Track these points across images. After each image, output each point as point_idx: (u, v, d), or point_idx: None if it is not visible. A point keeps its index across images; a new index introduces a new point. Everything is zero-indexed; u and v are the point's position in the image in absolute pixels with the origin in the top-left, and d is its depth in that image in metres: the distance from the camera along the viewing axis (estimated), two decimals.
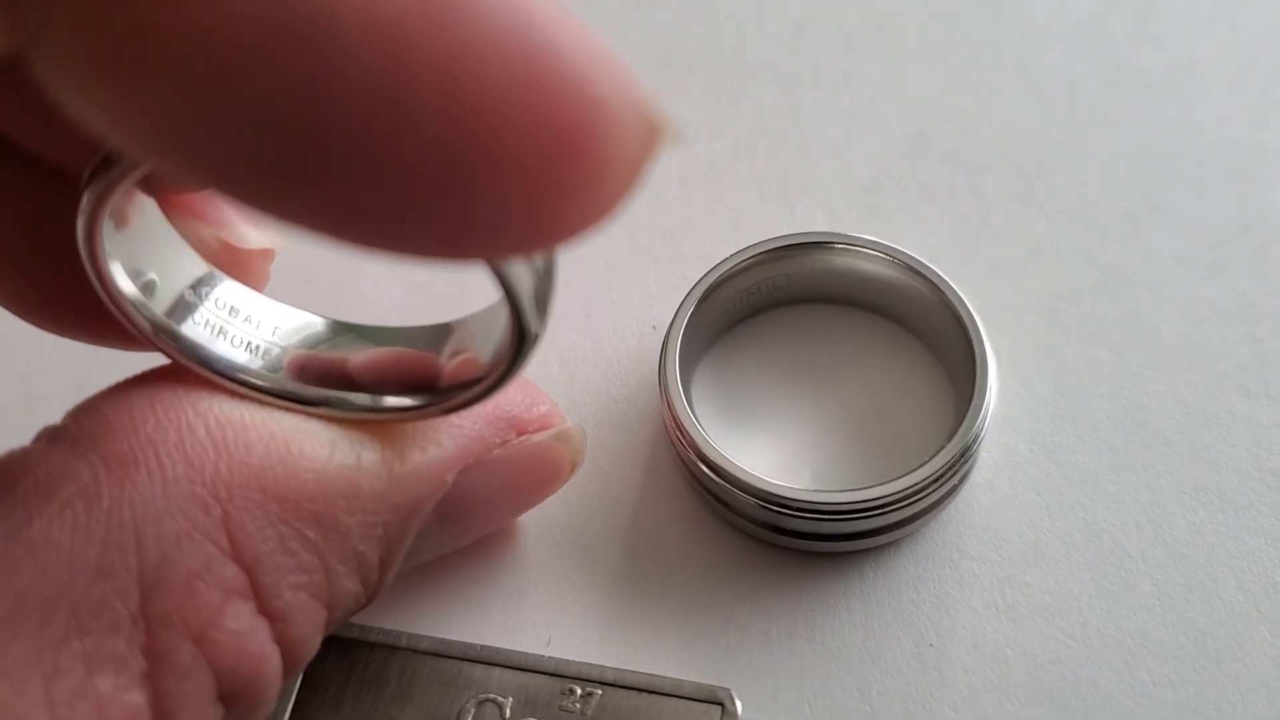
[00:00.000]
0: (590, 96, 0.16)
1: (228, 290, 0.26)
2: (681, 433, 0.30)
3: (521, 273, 0.20)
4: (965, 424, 0.29)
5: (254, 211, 0.16)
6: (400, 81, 0.15)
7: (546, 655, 0.29)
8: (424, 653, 0.29)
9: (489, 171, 0.15)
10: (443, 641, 0.29)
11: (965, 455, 0.29)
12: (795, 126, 0.38)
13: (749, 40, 0.39)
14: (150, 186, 0.23)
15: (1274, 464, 0.30)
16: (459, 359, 0.25)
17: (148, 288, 0.24)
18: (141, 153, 0.16)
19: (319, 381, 0.25)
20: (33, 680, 0.20)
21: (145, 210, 0.24)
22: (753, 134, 0.37)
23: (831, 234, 0.32)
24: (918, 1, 0.40)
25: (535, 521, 0.31)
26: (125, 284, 0.23)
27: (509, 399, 0.27)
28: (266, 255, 0.27)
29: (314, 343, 0.26)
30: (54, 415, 0.32)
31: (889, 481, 0.28)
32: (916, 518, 0.29)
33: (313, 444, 0.24)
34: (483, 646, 0.29)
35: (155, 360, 0.25)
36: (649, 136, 0.17)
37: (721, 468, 0.29)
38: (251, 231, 0.26)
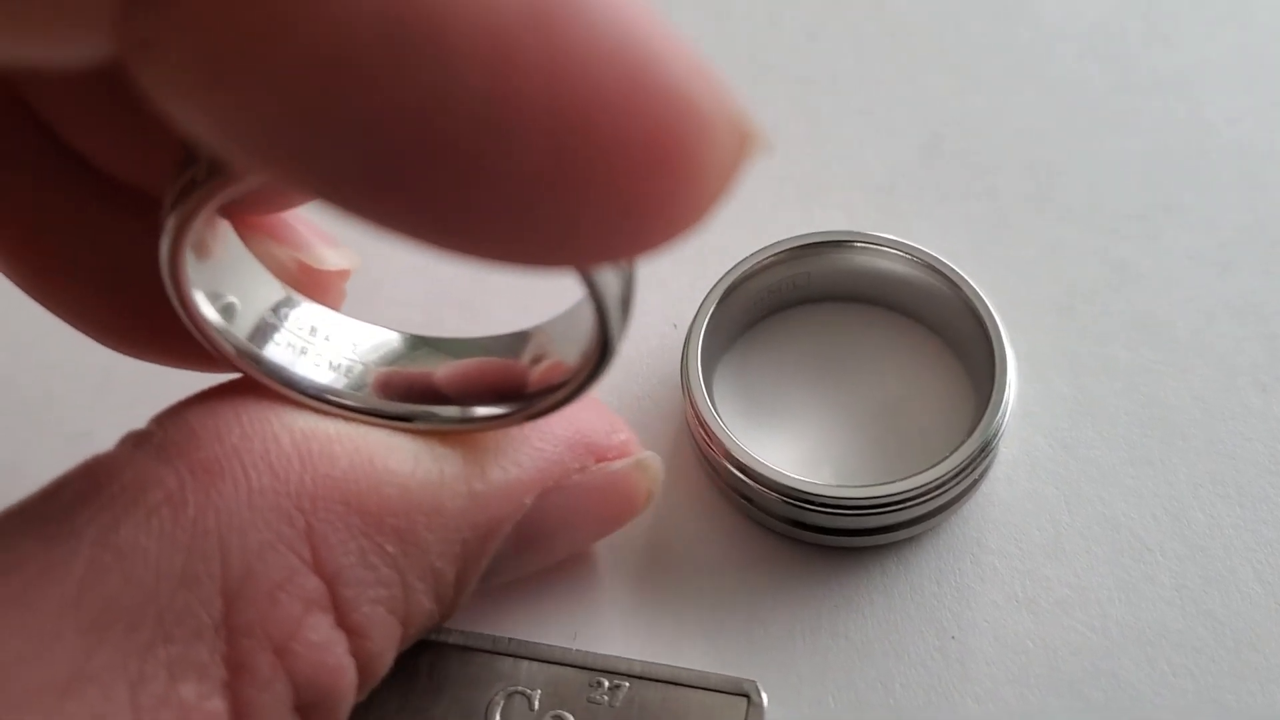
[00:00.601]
0: (690, 106, 0.16)
1: (305, 311, 0.26)
2: (704, 429, 0.30)
3: (609, 279, 0.21)
4: (985, 420, 0.29)
5: (354, 218, 0.16)
6: (510, 88, 0.15)
7: (574, 649, 0.29)
8: (453, 646, 0.29)
9: (592, 179, 0.16)
10: (471, 635, 0.29)
11: (985, 451, 0.29)
12: (811, 129, 0.38)
13: (763, 45, 0.40)
14: (228, 211, 0.23)
15: None
16: (545, 364, 0.25)
17: (227, 311, 0.24)
18: (247, 160, 0.16)
19: (405, 397, 0.25)
20: (119, 686, 0.20)
21: (224, 236, 0.24)
22: (769, 136, 0.38)
23: (851, 233, 0.32)
24: (930, 4, 0.40)
25: None
26: (208, 310, 0.24)
27: (589, 424, 0.27)
28: (343, 275, 0.27)
29: (393, 358, 0.26)
30: (75, 414, 0.33)
31: (910, 477, 0.29)
32: (937, 513, 0.30)
33: (397, 458, 0.24)
34: (511, 640, 0.29)
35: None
36: (741, 146, 0.17)
37: (744, 464, 0.29)
38: (329, 252, 0.27)
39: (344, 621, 0.23)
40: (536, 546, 0.27)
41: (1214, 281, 0.34)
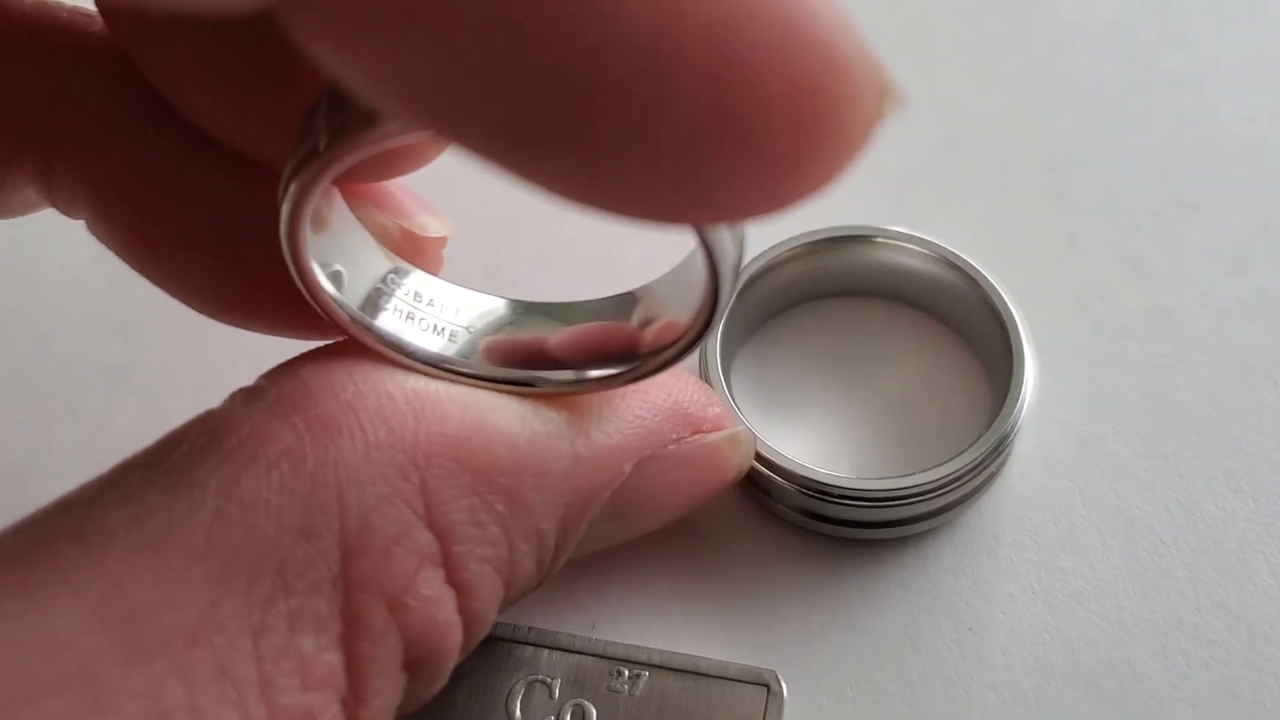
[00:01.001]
0: (841, 59, 0.16)
1: (411, 278, 0.26)
2: None
3: (725, 239, 0.21)
4: (1002, 414, 0.30)
5: (501, 167, 0.16)
6: (675, 36, 0.15)
7: (594, 638, 0.29)
8: None
9: (747, 130, 0.16)
10: (494, 624, 0.29)
11: (1002, 445, 0.30)
12: None
13: None
14: (338, 179, 0.23)
15: None
16: (657, 325, 0.25)
17: (336, 279, 0.24)
18: (403, 109, 0.16)
19: (515, 362, 0.26)
20: (243, 636, 0.20)
21: (338, 207, 0.24)
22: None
23: (870, 228, 0.33)
24: (947, 4, 0.41)
25: None
26: (323, 279, 0.24)
27: (686, 395, 0.28)
28: (442, 241, 0.27)
29: (500, 325, 0.26)
30: (96, 405, 0.33)
31: (929, 469, 0.29)
32: (955, 505, 0.30)
33: (506, 418, 0.24)
34: (531, 628, 0.29)
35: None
36: (881, 99, 0.17)
37: (763, 455, 0.30)
38: (430, 219, 0.27)
39: (453, 578, 0.23)
40: (630, 516, 0.27)
41: (1227, 278, 0.34)
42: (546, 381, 0.25)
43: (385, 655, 0.22)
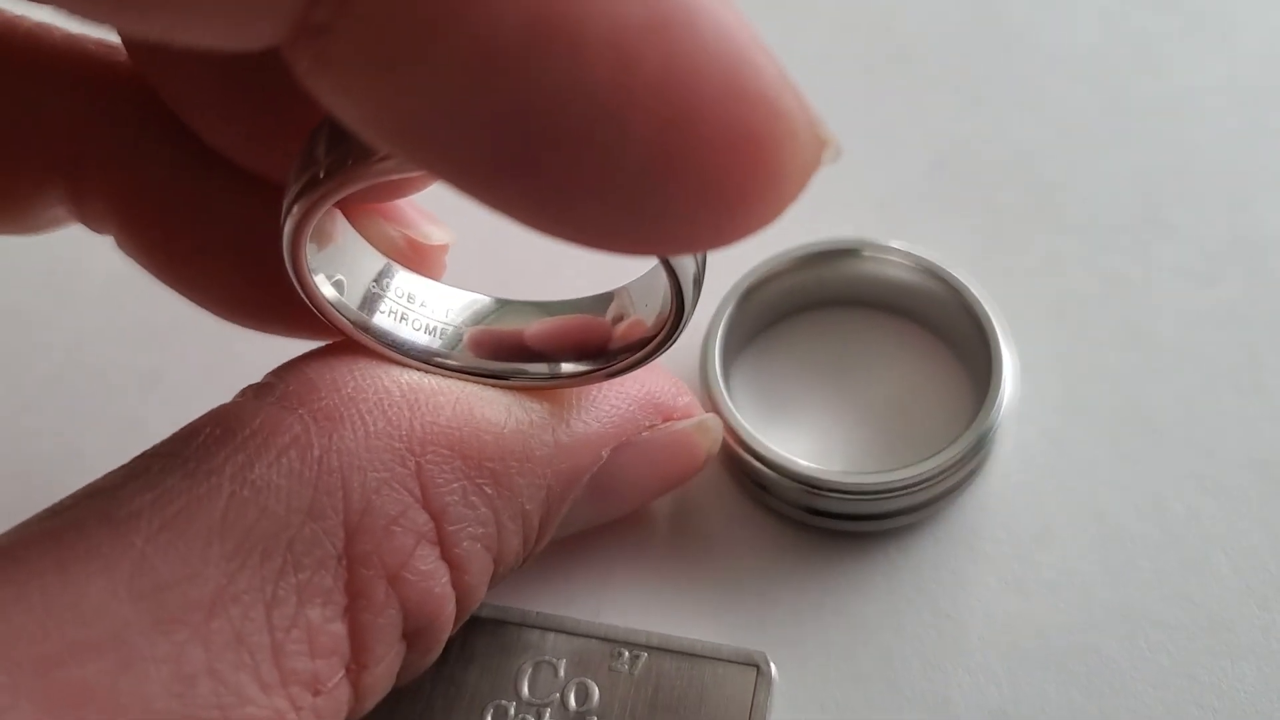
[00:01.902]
0: (780, 111, 0.18)
1: (402, 279, 0.27)
2: (723, 422, 0.31)
3: (686, 260, 0.23)
4: (982, 414, 0.31)
5: (478, 199, 0.18)
6: (630, 84, 0.16)
7: (597, 622, 0.30)
8: (484, 619, 0.30)
9: (691, 171, 0.17)
10: (501, 609, 0.30)
11: (981, 443, 0.31)
12: None
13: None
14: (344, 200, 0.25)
15: (1264, 455, 0.32)
16: (626, 322, 0.27)
17: (338, 286, 0.26)
18: (393, 146, 0.18)
19: (497, 354, 0.27)
20: (257, 607, 0.22)
21: (339, 222, 0.26)
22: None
23: (860, 241, 0.34)
24: (936, 31, 0.41)
25: None
26: (327, 289, 0.25)
27: (658, 386, 0.29)
28: (444, 249, 0.29)
29: (483, 316, 0.28)
30: (129, 407, 0.34)
31: (913, 465, 0.30)
32: (937, 500, 0.31)
33: (492, 409, 0.26)
34: (538, 613, 0.30)
35: None
36: (818, 149, 0.18)
37: (762, 454, 0.31)
38: (433, 229, 0.28)
39: (446, 555, 0.25)
40: (607, 498, 0.29)
41: (1197, 292, 0.35)
42: (525, 374, 0.27)
43: (386, 625, 0.24)
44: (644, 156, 0.17)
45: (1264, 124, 0.39)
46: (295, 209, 0.22)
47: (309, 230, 0.23)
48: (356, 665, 0.23)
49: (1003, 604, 0.31)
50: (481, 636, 0.30)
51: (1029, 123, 0.39)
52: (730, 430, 0.32)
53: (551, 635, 0.30)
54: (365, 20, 0.16)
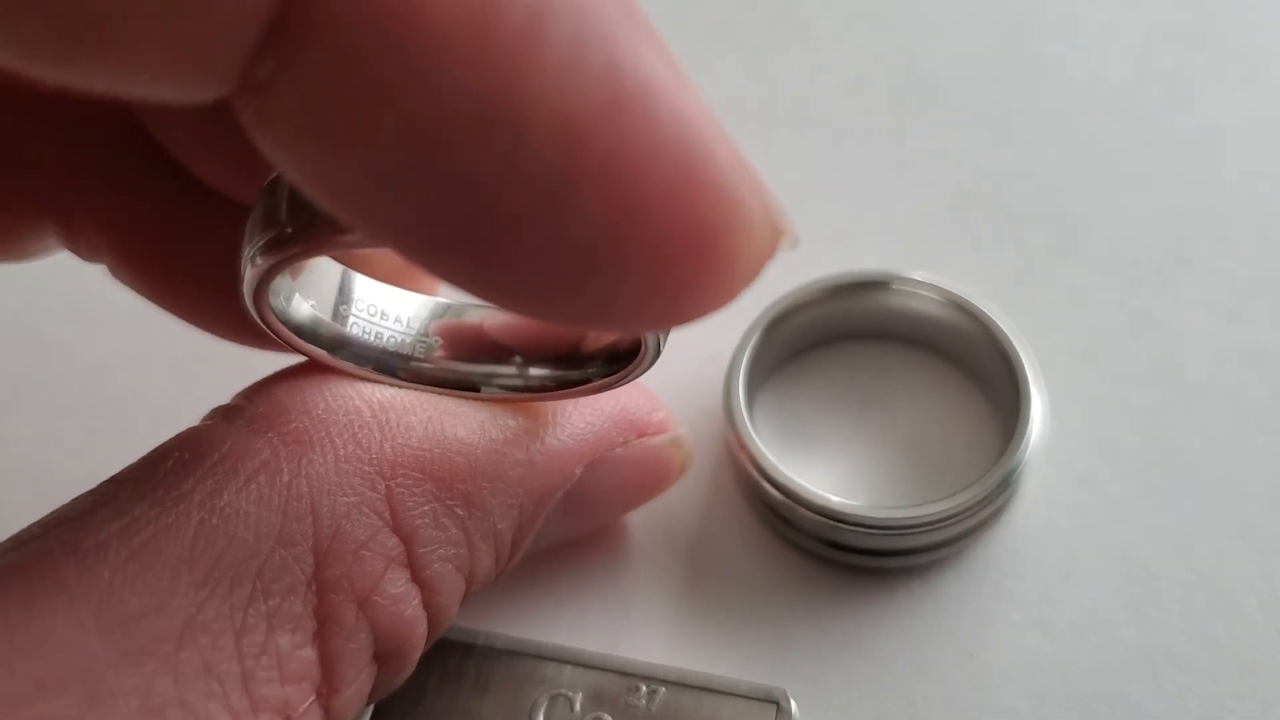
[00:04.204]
0: (733, 199, 0.18)
1: (364, 289, 0.27)
2: (746, 453, 0.31)
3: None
4: (1009, 451, 0.31)
5: (425, 271, 0.18)
6: (577, 167, 0.16)
7: (614, 655, 0.30)
8: (500, 650, 0.30)
9: (639, 255, 0.17)
10: (518, 640, 0.30)
11: (1008, 480, 0.31)
12: (848, 178, 0.39)
13: (805, 98, 0.41)
14: None
15: None
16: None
17: (312, 308, 0.26)
18: (331, 207, 0.17)
19: (469, 353, 0.27)
20: (226, 636, 0.22)
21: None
22: (806, 186, 0.39)
23: (887, 274, 0.34)
24: (963, 64, 0.42)
25: (605, 536, 0.33)
26: (302, 311, 0.25)
27: (632, 402, 0.29)
28: None
29: (447, 311, 0.28)
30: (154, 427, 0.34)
31: (939, 501, 0.30)
32: (962, 538, 0.31)
33: (465, 428, 0.26)
34: (555, 646, 0.30)
35: None
36: (774, 237, 0.19)
37: (785, 486, 0.31)
38: None
39: (417, 577, 0.25)
40: (580, 513, 0.29)
41: (1224, 330, 0.35)
42: (497, 379, 0.27)
43: (356, 649, 0.24)
44: (590, 238, 0.17)
45: None
46: (260, 261, 0.22)
47: (271, 282, 0.23)
48: (328, 689, 0.24)
49: (1027, 644, 0.31)
50: (497, 668, 0.30)
51: (1057, 157, 0.39)
52: (753, 462, 0.31)
53: (569, 668, 0.30)
54: (306, 81, 0.16)
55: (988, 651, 0.30)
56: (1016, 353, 0.32)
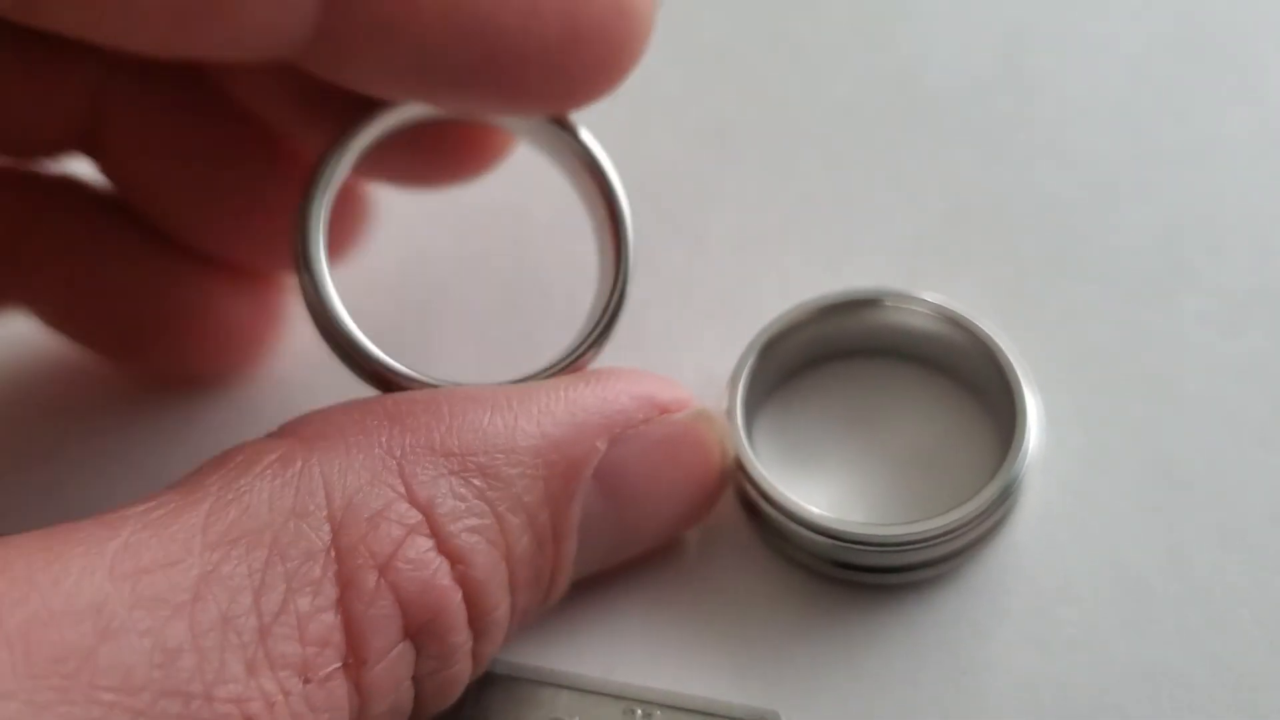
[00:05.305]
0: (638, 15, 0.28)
1: None
2: (745, 473, 0.31)
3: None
4: (1006, 465, 0.31)
5: (448, 99, 0.29)
6: (539, 21, 0.27)
7: (610, 679, 0.30)
8: (498, 675, 0.30)
9: (580, 52, 0.28)
10: (514, 665, 0.30)
11: (1006, 494, 0.31)
12: (843, 195, 0.39)
13: (801, 115, 0.41)
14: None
15: None
16: None
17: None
18: (398, 80, 0.28)
19: None
20: (244, 592, 0.22)
21: None
22: (801, 204, 0.39)
23: (881, 291, 0.34)
24: (960, 79, 0.41)
25: None
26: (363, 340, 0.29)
27: (650, 382, 0.30)
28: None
29: None
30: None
31: (937, 516, 0.30)
32: (959, 553, 0.31)
33: (475, 409, 0.27)
34: (551, 670, 0.30)
35: None
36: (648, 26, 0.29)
37: (783, 505, 0.31)
38: None
39: (444, 548, 0.25)
40: (621, 500, 0.29)
41: (1221, 343, 0.35)
42: None
43: (380, 616, 0.24)
44: (554, 42, 0.27)
45: None
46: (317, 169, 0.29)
47: (331, 195, 0.29)
48: (355, 659, 0.24)
49: (1024, 660, 0.30)
50: (495, 694, 0.30)
51: (1053, 171, 0.39)
52: (752, 482, 0.31)
53: (565, 692, 0.30)
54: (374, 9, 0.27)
55: (984, 668, 0.30)
56: (1012, 366, 0.32)
